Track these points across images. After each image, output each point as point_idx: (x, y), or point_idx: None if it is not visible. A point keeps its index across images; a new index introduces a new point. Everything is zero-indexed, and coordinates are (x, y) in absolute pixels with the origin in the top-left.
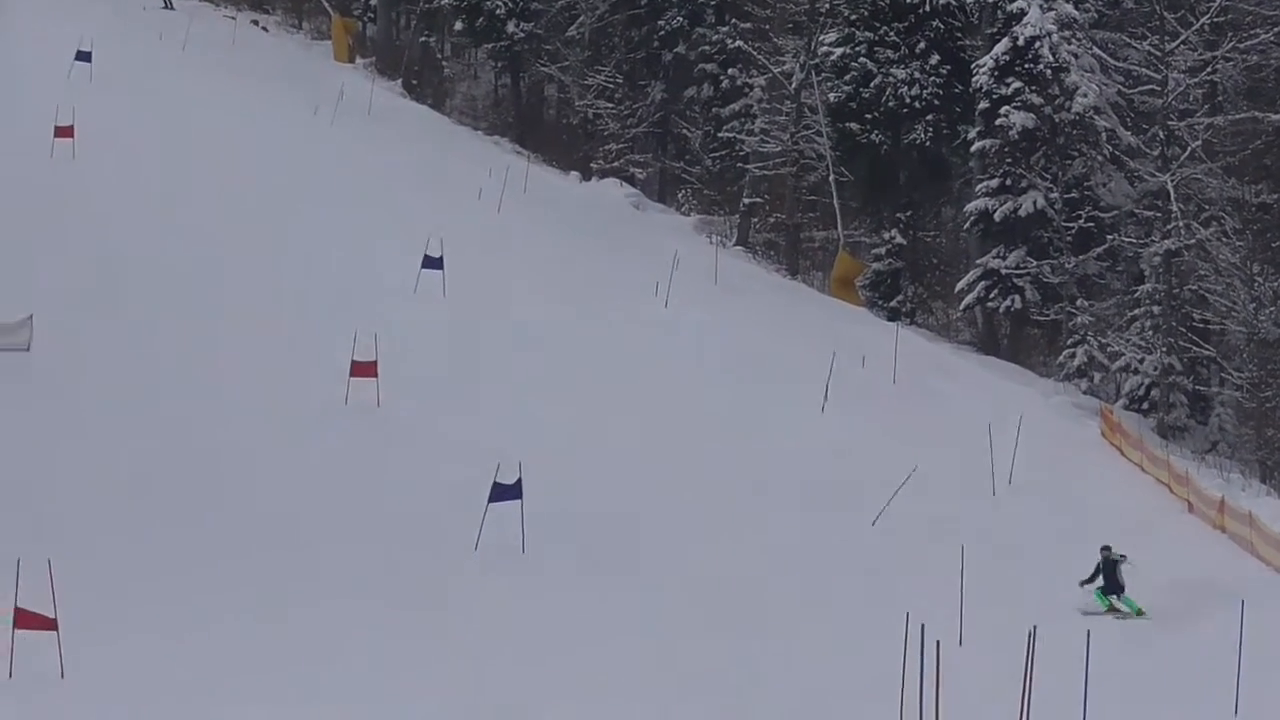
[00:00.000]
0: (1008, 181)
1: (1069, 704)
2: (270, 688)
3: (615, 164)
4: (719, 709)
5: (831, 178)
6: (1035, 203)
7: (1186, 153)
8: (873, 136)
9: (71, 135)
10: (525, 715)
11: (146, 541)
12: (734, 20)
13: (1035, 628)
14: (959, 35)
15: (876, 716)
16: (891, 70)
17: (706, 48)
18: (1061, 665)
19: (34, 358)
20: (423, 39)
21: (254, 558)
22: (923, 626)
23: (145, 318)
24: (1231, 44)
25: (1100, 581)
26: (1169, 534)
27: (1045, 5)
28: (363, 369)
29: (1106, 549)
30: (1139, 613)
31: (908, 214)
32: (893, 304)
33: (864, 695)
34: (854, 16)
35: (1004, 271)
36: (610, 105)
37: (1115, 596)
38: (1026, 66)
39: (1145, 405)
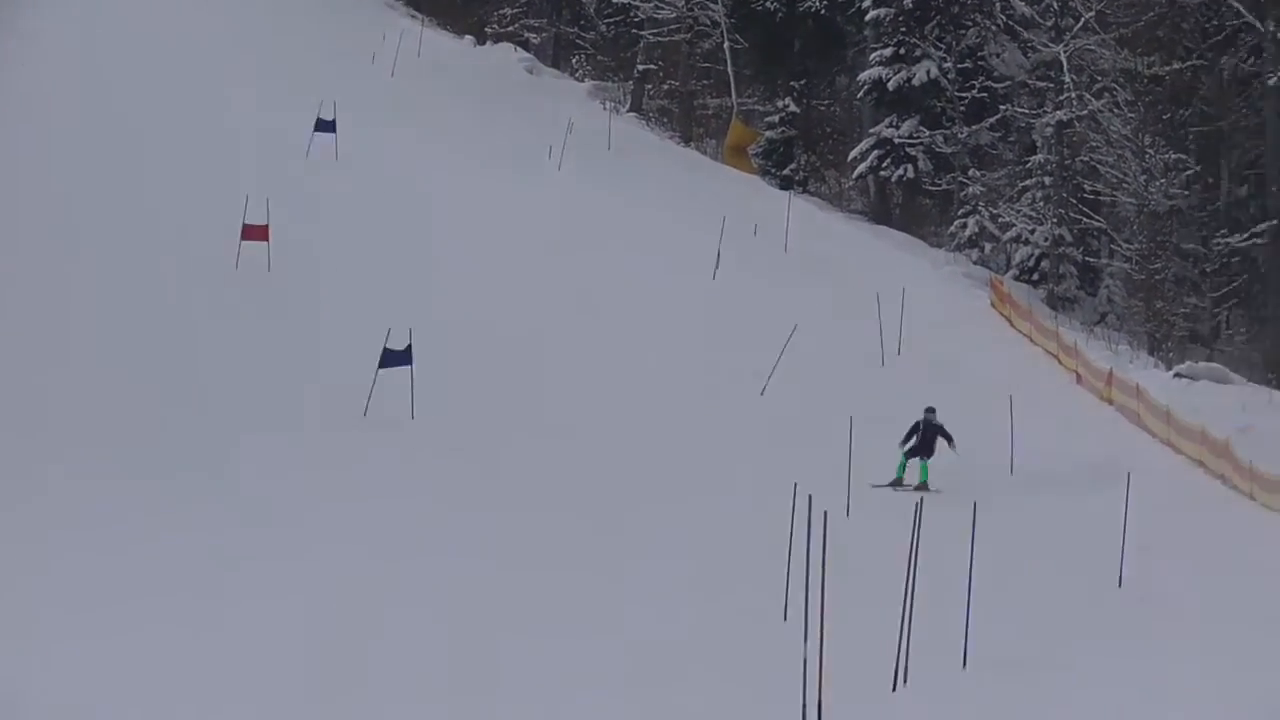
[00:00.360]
0: (901, 50)
1: (954, 575)
2: (157, 554)
3: (510, 29)
4: (605, 576)
5: (726, 45)
6: (929, 72)
7: (1080, 23)
8: (767, 4)
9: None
10: (412, 578)
11: (30, 392)
12: None
13: (921, 499)
14: None
15: (764, 586)
16: None
17: None
18: (947, 536)
19: None
20: None
21: (146, 416)
22: (810, 498)
23: (34, 173)
24: None
25: (914, 442)
26: (1057, 405)
27: None
28: (254, 232)
29: (930, 411)
30: (923, 484)
31: (801, 82)
32: (785, 172)
33: (753, 565)
34: None
35: (897, 141)
36: None
37: (919, 458)
38: None
39: (1035, 276)
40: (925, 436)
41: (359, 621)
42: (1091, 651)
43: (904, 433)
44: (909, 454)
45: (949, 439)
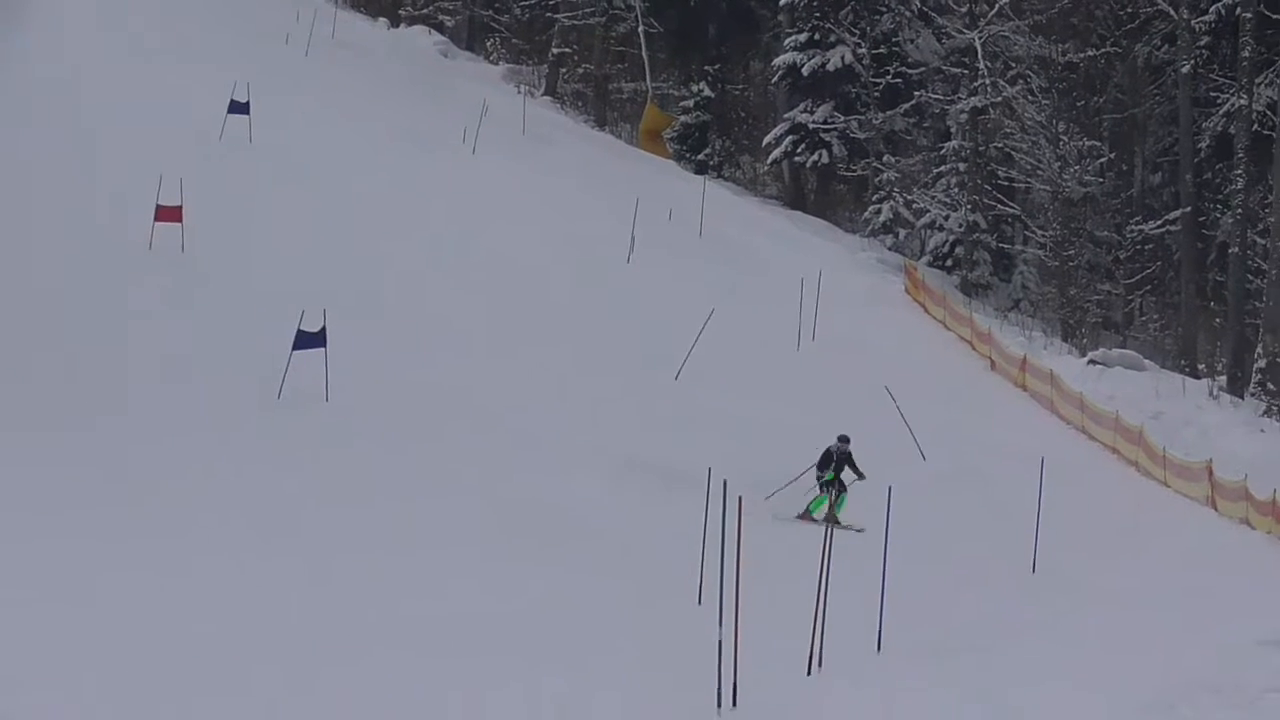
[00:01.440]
0: (816, 36)
1: (869, 561)
2: (67, 526)
3: (424, 11)
4: (513, 561)
5: (640, 29)
6: (843, 57)
7: (994, 10)
8: None
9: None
10: (327, 564)
11: None
12: None
13: (839, 480)
14: None
15: (678, 572)
16: None
17: None
18: (860, 515)
19: None
20: None
21: (53, 397)
22: (725, 482)
23: None
24: None
25: (828, 474)
26: (971, 391)
27: None
28: (168, 214)
29: (843, 440)
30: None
31: (716, 67)
32: (700, 157)
33: (666, 551)
34: None
35: (811, 126)
36: None
37: (831, 495)
38: None
39: (949, 262)
40: (837, 466)
41: (258, 605)
42: (1004, 636)
43: (818, 458)
44: (825, 486)
45: (857, 473)
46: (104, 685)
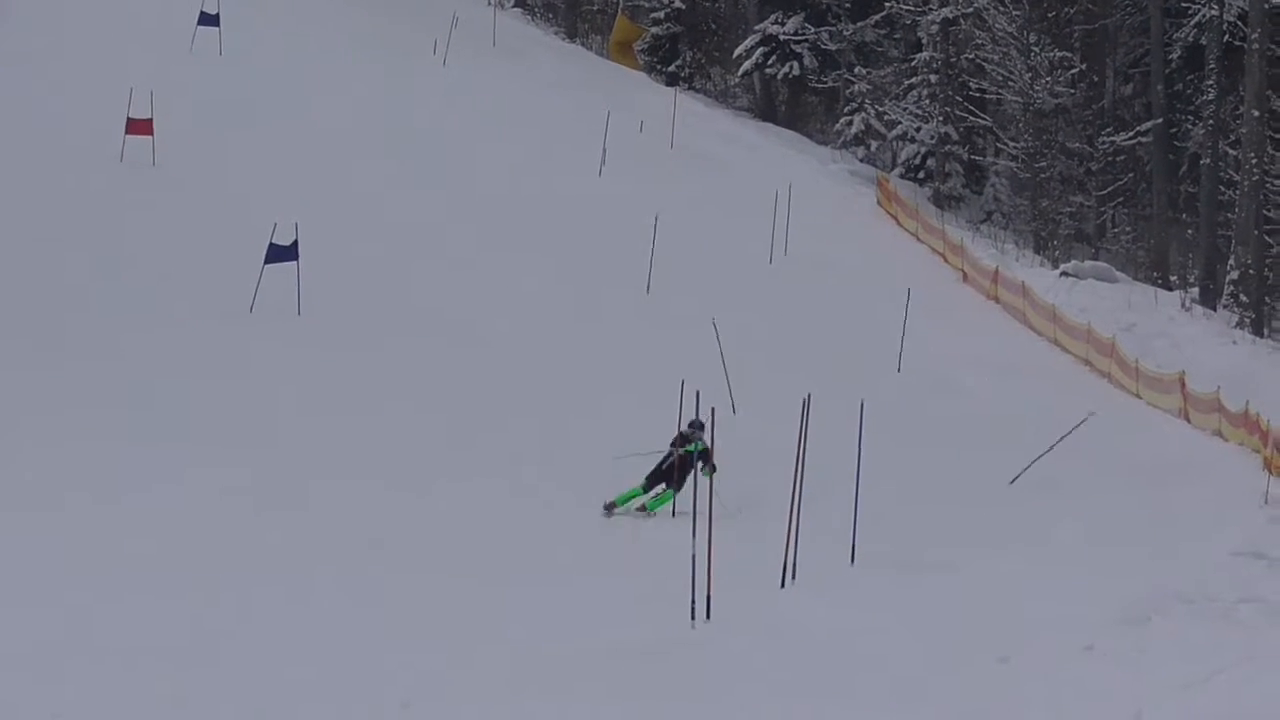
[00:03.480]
0: None
1: (842, 474)
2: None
3: None
4: (485, 478)
5: None
6: None
7: None
8: None
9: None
10: (302, 477)
11: None
12: None
13: (809, 395)
14: None
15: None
16: None
17: None
18: (835, 434)
19: None
20: None
21: (27, 307)
22: (698, 393)
23: None
24: None
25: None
26: (944, 303)
27: None
28: (138, 126)
29: (695, 426)
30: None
31: None
32: (671, 69)
33: (639, 464)
34: None
35: (782, 37)
36: None
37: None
38: None
39: (921, 174)
40: (682, 461)
41: (235, 517)
42: (979, 549)
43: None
44: (651, 478)
45: (708, 465)
46: (104, 587)
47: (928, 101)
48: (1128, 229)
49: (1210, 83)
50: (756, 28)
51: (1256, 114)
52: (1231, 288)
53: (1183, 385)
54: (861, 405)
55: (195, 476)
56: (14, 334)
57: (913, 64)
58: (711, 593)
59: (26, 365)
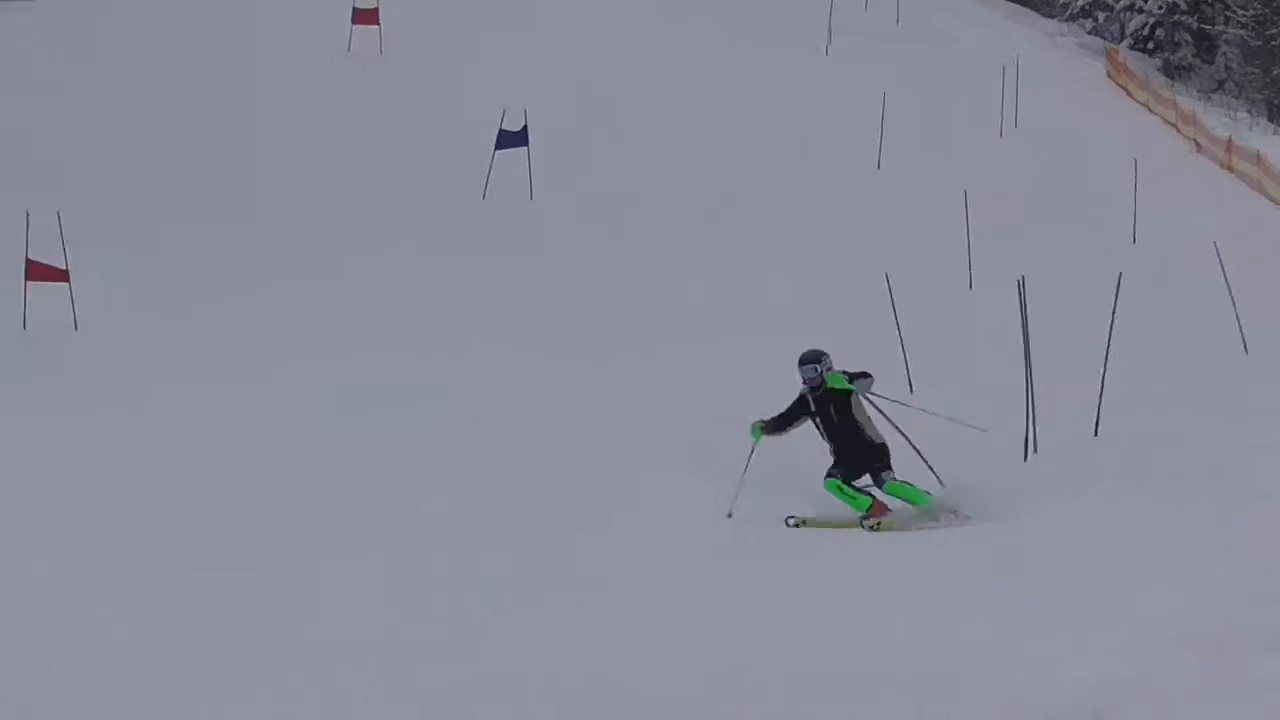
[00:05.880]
0: None
1: (1075, 342)
2: (284, 342)
3: None
4: (719, 348)
5: None
6: None
7: None
8: None
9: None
10: (538, 353)
11: (151, 191)
12: None
13: (1022, 277)
14: None
15: (884, 352)
16: None
17: None
18: (1070, 311)
19: (36, 6)
20: None
21: (260, 195)
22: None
23: None
24: None
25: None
26: (1177, 175)
27: None
28: (365, 16)
29: (816, 358)
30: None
31: None
32: None
33: (869, 337)
34: None
35: None
36: None
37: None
38: None
39: (1150, 45)
40: (844, 431)
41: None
42: (1219, 420)
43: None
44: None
45: (857, 386)
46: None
47: None
48: None
49: None
50: None
51: None
52: None
53: None
54: (1119, 279)
55: (445, 356)
56: (244, 215)
57: None
58: (953, 469)
59: (254, 244)
